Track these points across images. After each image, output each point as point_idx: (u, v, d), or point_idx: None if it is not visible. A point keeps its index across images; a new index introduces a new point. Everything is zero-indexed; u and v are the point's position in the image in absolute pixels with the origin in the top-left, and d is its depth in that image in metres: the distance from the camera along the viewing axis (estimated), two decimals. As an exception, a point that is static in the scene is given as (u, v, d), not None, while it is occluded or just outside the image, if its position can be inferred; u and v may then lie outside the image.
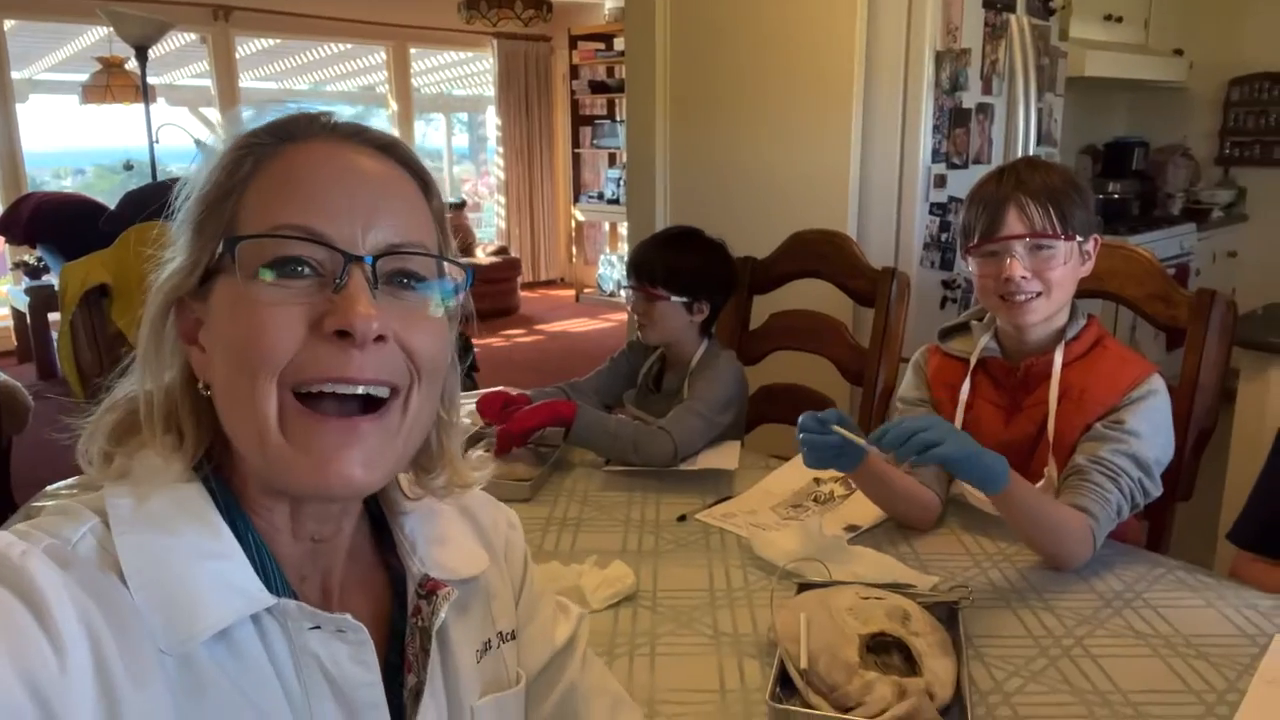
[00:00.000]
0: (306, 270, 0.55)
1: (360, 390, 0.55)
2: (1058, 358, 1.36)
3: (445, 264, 0.60)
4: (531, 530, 1.39)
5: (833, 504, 1.48)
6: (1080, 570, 1.23)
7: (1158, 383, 1.34)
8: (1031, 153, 2.69)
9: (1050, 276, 1.31)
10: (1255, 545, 1.33)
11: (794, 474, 1.57)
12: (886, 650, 0.97)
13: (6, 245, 5.48)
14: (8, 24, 5.53)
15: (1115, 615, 1.12)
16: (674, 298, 1.75)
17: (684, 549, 1.33)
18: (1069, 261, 1.33)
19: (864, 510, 1.42)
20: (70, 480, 1.56)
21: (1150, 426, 1.30)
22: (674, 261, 1.77)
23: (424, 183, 0.62)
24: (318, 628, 0.56)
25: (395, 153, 0.60)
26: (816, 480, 1.55)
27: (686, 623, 1.12)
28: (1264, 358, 2.09)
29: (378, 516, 0.68)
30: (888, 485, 1.35)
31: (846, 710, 0.90)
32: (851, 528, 1.38)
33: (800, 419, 1.21)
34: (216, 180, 0.57)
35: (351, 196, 0.56)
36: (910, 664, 0.95)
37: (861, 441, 1.17)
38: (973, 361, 1.43)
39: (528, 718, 0.73)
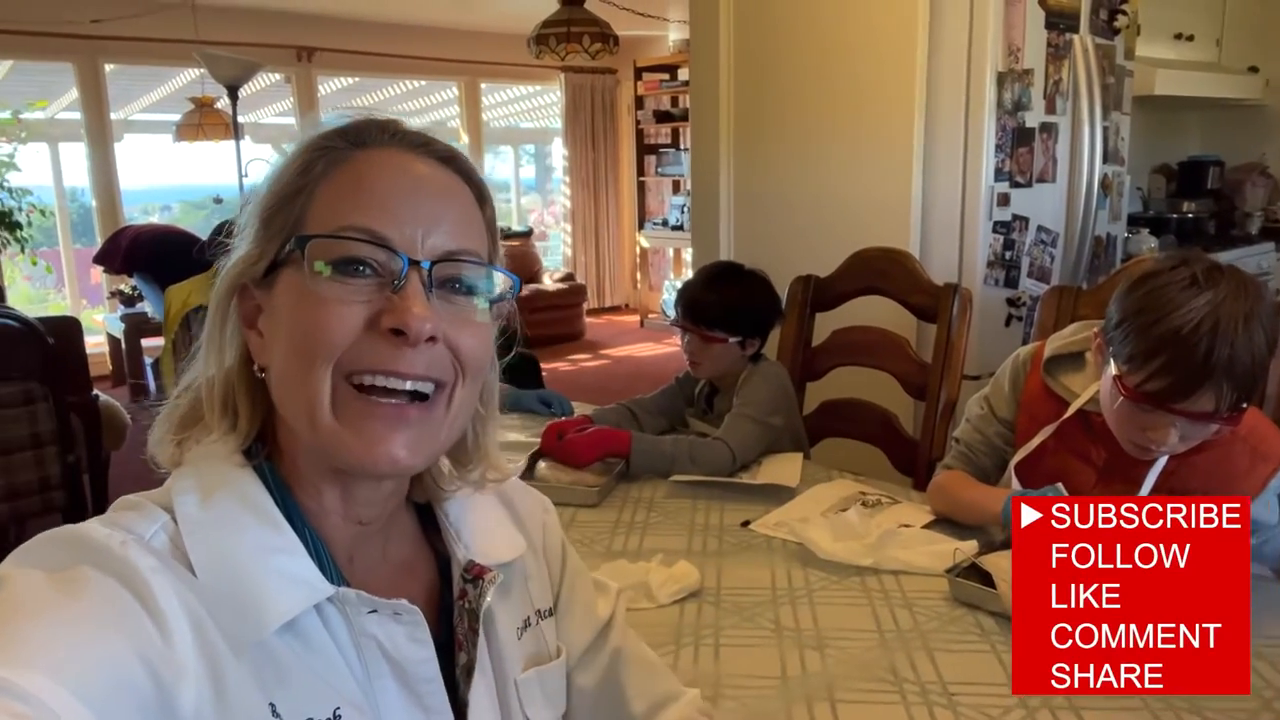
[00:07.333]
0: (368, 270, 0.59)
1: (408, 386, 0.59)
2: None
3: (493, 270, 0.65)
4: (600, 531, 1.45)
5: (880, 509, 1.51)
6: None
7: None
8: (1098, 171, 2.69)
9: (1194, 443, 1.19)
10: None
11: (841, 486, 1.62)
12: None
13: (104, 275, 5.81)
14: (108, 68, 5.89)
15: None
16: (730, 338, 1.80)
17: (746, 551, 1.37)
18: None
19: (913, 514, 1.47)
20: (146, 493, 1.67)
21: (1273, 511, 1.23)
22: (727, 302, 1.80)
23: (479, 193, 0.66)
24: (375, 611, 0.61)
25: (456, 164, 0.65)
26: (863, 492, 1.59)
27: (749, 617, 1.16)
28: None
29: (423, 504, 0.73)
30: (959, 502, 1.42)
31: None
32: (904, 527, 1.41)
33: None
34: (288, 178, 0.61)
35: (414, 204, 0.61)
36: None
37: None
38: (1069, 411, 1.31)
39: (578, 685, 0.77)
